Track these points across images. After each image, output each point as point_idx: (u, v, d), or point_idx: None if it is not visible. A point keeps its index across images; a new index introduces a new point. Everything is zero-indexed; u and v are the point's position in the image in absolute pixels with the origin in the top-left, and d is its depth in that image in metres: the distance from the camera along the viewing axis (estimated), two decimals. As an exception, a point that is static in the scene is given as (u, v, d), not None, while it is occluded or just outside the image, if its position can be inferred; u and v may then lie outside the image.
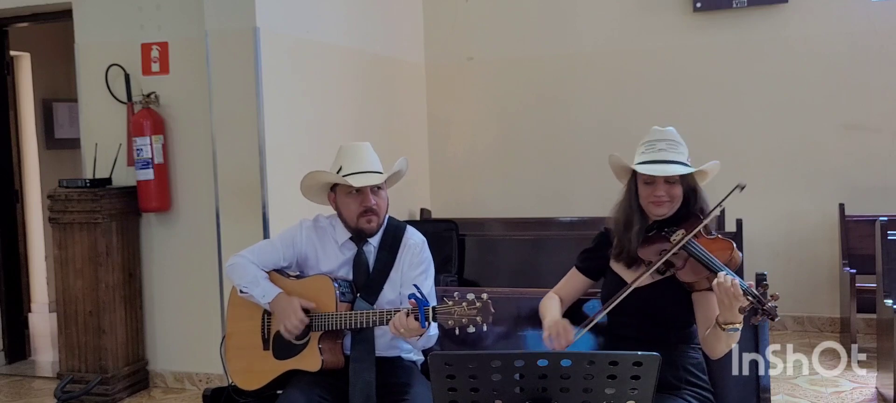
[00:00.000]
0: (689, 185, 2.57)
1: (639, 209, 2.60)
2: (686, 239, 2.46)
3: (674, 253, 2.47)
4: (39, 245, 7.08)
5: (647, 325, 2.52)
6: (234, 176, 4.49)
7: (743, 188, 2.44)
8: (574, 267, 2.77)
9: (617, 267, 2.65)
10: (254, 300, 2.82)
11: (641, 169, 2.54)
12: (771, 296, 2.26)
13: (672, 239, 2.50)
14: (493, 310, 2.50)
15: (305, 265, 2.92)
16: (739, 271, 2.49)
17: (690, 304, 2.54)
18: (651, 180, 2.55)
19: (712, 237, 2.53)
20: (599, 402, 1.95)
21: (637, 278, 2.50)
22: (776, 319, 2.28)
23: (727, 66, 5.95)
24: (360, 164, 2.81)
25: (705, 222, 2.50)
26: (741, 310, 2.28)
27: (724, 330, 2.35)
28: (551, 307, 2.68)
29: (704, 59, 6.00)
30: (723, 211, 5.34)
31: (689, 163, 2.57)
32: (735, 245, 2.50)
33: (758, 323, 2.32)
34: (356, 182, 2.77)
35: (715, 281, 2.34)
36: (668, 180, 2.54)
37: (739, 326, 2.34)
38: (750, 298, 2.27)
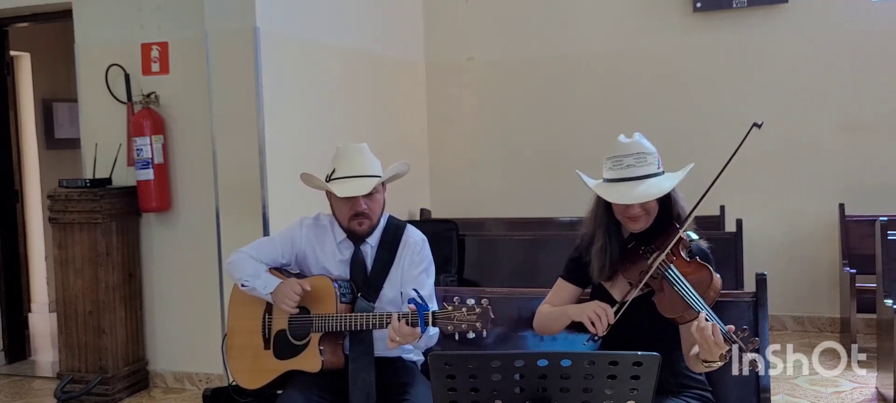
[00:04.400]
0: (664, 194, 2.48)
1: (608, 224, 2.52)
2: (658, 259, 2.39)
3: (652, 276, 2.41)
4: (39, 245, 7.08)
5: (636, 334, 2.46)
6: (234, 176, 4.49)
7: (760, 126, 2.39)
8: (560, 278, 2.72)
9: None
10: (256, 293, 2.82)
11: (611, 197, 2.44)
12: (751, 342, 2.21)
13: (649, 260, 2.44)
14: (492, 316, 2.50)
15: (305, 263, 2.92)
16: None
17: None
18: None
19: (689, 260, 2.45)
20: (599, 402, 1.95)
21: (625, 295, 2.45)
22: (756, 368, 2.25)
23: (727, 66, 5.95)
24: (353, 168, 2.80)
25: (677, 237, 2.42)
26: (722, 358, 2.23)
27: (704, 364, 2.30)
28: (555, 307, 2.66)
29: (704, 59, 6.00)
30: (722, 211, 5.40)
31: (660, 169, 2.49)
32: (712, 270, 2.41)
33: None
34: (340, 191, 2.76)
35: (695, 325, 2.26)
36: None
37: (717, 363, 2.28)
38: (730, 344, 2.22)
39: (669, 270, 2.40)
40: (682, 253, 2.46)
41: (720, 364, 2.28)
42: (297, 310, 2.74)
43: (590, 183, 2.57)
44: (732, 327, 2.25)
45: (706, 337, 2.22)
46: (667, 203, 2.51)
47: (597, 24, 6.22)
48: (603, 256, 2.53)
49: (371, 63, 5.70)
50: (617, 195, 2.45)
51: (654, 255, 2.43)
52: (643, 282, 2.43)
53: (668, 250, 2.41)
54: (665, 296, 2.40)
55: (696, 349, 2.37)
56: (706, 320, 2.25)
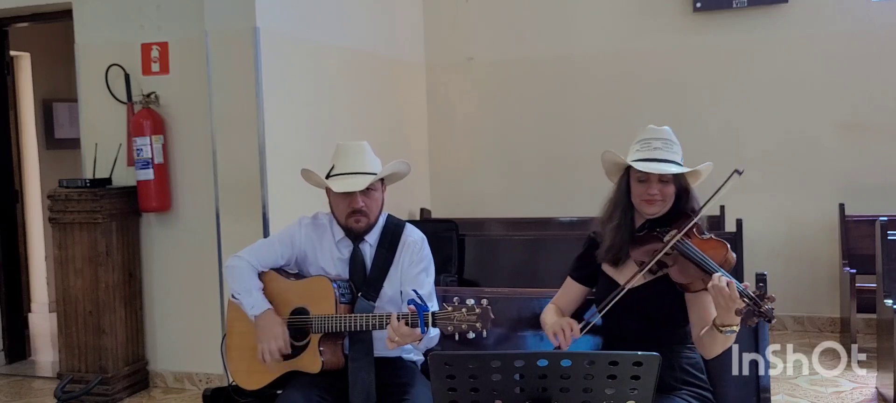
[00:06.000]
0: (681, 185, 2.57)
1: (627, 206, 2.61)
2: (678, 236, 2.46)
3: (666, 253, 2.47)
4: (39, 245, 7.08)
5: (641, 326, 2.52)
6: (234, 176, 4.49)
7: (741, 173, 2.46)
8: (568, 276, 2.76)
9: (607, 269, 2.65)
10: (242, 308, 2.82)
11: (637, 165, 2.54)
12: (767, 298, 2.25)
13: (664, 238, 2.50)
14: (492, 316, 2.50)
15: (304, 262, 2.92)
16: (737, 272, 2.49)
17: (684, 303, 2.53)
18: (645, 178, 2.55)
19: (705, 237, 2.52)
20: (599, 402, 1.95)
21: (631, 278, 2.49)
22: (773, 321, 2.28)
23: (727, 65, 5.95)
24: (351, 165, 2.81)
25: (696, 219, 2.50)
26: (737, 313, 2.27)
27: (721, 332, 2.34)
28: (550, 313, 2.71)
29: (704, 59, 6.00)
30: (722, 211, 5.40)
31: (682, 163, 2.57)
32: (729, 246, 2.49)
33: (754, 325, 2.32)
34: (337, 186, 2.78)
35: (710, 283, 2.33)
36: (662, 179, 2.54)
37: (736, 329, 2.33)
38: (746, 300, 2.26)
39: (686, 245, 2.47)
40: (696, 234, 2.54)
41: (735, 328, 2.31)
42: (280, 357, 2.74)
43: (616, 159, 2.65)
44: (747, 284, 2.32)
45: (721, 292, 2.28)
46: (682, 195, 2.58)
47: (597, 24, 6.22)
48: (615, 235, 2.59)
49: (371, 63, 5.70)
50: (642, 165, 2.53)
51: (671, 233, 2.49)
52: (657, 260, 2.47)
53: (686, 230, 2.48)
54: (679, 267, 2.47)
55: (706, 329, 2.42)
56: (721, 277, 2.32)
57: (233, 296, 2.85)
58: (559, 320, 2.58)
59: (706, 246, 2.47)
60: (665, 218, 2.57)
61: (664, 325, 2.54)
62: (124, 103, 4.85)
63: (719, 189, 2.47)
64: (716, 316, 2.36)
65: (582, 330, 2.52)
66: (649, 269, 2.49)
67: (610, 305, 2.50)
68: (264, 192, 4.43)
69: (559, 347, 2.50)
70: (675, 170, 2.52)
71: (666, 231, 2.53)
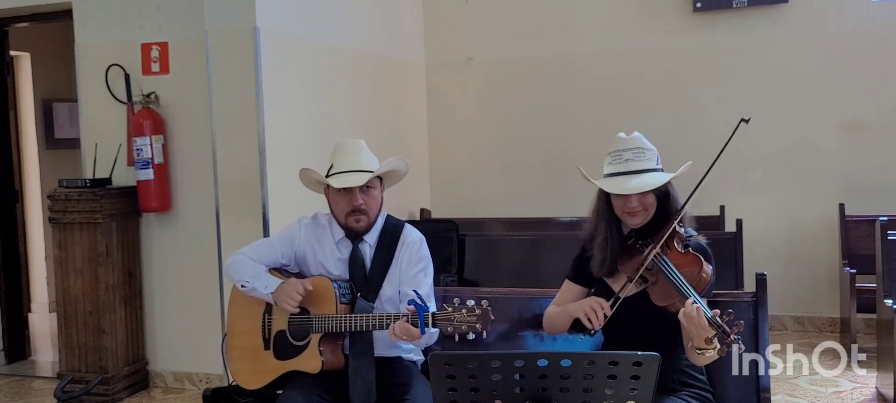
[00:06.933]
0: (661, 190, 2.54)
1: (611, 217, 2.58)
2: (654, 251, 2.43)
3: (647, 269, 2.45)
4: (39, 245, 7.08)
5: (638, 332, 2.50)
6: (234, 176, 4.49)
7: (748, 121, 2.45)
8: (567, 279, 2.75)
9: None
10: (256, 294, 2.82)
11: (609, 187, 2.51)
12: (736, 325, 2.24)
13: (645, 252, 2.48)
14: (492, 318, 2.50)
15: (304, 263, 2.93)
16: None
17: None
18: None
19: (683, 251, 2.50)
20: (599, 402, 1.95)
21: (622, 287, 2.48)
22: (742, 352, 2.29)
23: (727, 66, 5.95)
24: (350, 163, 2.82)
25: (674, 225, 2.46)
26: (708, 341, 2.26)
27: (698, 353, 2.34)
28: (559, 307, 2.68)
29: (704, 59, 6.00)
30: (722, 211, 5.40)
31: (659, 166, 2.54)
32: (704, 259, 2.46)
33: (723, 354, 2.30)
34: (337, 182, 2.79)
35: (681, 311, 2.31)
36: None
37: (713, 353, 2.31)
38: (715, 328, 2.25)
39: (663, 261, 2.45)
40: (676, 245, 2.51)
41: (714, 352, 2.29)
42: (298, 309, 2.74)
43: (590, 177, 2.61)
44: (718, 311, 2.30)
45: (692, 321, 2.27)
46: (665, 200, 2.55)
47: (597, 24, 6.22)
48: (604, 249, 2.57)
49: (371, 63, 5.70)
50: (615, 186, 2.50)
51: (650, 248, 2.47)
52: (639, 275, 2.46)
53: (662, 242, 2.46)
54: (658, 287, 2.45)
55: (689, 345, 2.41)
56: (692, 304, 2.30)
57: (242, 286, 2.84)
58: (587, 299, 2.54)
59: (682, 261, 2.45)
60: (651, 225, 2.55)
61: (660, 331, 2.51)
62: (124, 103, 4.85)
63: (727, 142, 2.45)
64: (691, 340, 2.34)
65: (612, 306, 2.47)
66: (635, 284, 2.48)
67: (619, 302, 2.48)
68: (264, 192, 4.43)
69: (591, 329, 2.47)
70: (649, 184, 2.47)
71: (647, 243, 2.51)
